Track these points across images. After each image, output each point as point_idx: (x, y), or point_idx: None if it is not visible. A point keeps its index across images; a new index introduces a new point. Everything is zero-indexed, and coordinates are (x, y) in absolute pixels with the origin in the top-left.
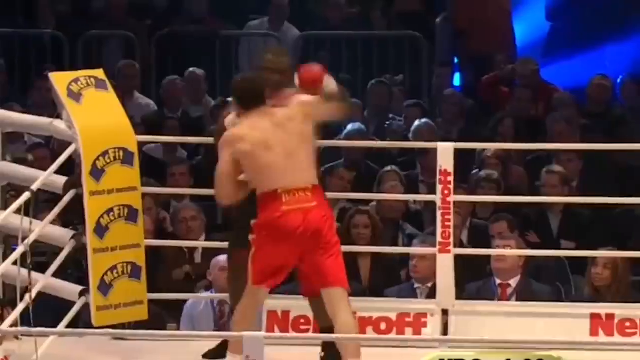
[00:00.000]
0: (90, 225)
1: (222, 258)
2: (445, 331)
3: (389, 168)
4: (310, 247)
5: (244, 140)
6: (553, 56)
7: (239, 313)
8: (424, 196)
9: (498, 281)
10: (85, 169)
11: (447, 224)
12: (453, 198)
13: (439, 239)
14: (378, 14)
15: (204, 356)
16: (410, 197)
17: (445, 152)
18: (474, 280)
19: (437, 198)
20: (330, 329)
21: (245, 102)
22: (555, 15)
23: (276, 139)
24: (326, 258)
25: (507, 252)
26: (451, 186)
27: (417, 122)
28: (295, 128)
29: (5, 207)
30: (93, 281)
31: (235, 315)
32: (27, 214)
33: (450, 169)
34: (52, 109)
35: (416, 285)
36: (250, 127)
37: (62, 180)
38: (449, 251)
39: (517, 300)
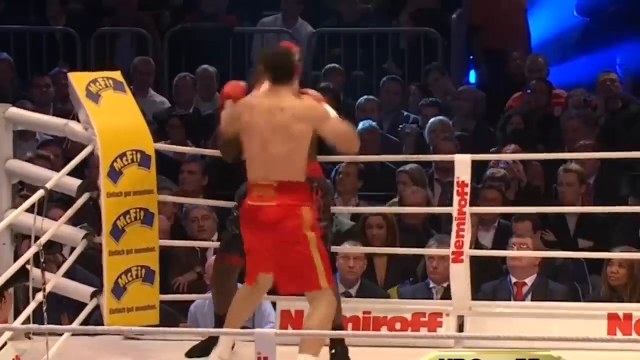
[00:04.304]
0: (106, 227)
1: None
2: (461, 329)
3: (407, 168)
4: (273, 244)
5: (246, 109)
6: (574, 53)
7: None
8: (442, 209)
9: (514, 280)
10: (103, 170)
11: (461, 234)
12: (469, 209)
13: (452, 248)
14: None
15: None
16: (429, 209)
17: (462, 165)
18: (492, 280)
19: (454, 209)
20: (339, 327)
21: (277, 76)
22: (581, 11)
23: (259, 127)
24: (289, 258)
25: (521, 253)
26: (468, 197)
27: (432, 120)
28: (285, 122)
29: (15, 206)
30: (107, 284)
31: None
32: (39, 213)
33: (468, 180)
34: (55, 104)
35: (432, 285)
36: (249, 106)
37: (74, 181)
38: (462, 261)
39: (532, 299)
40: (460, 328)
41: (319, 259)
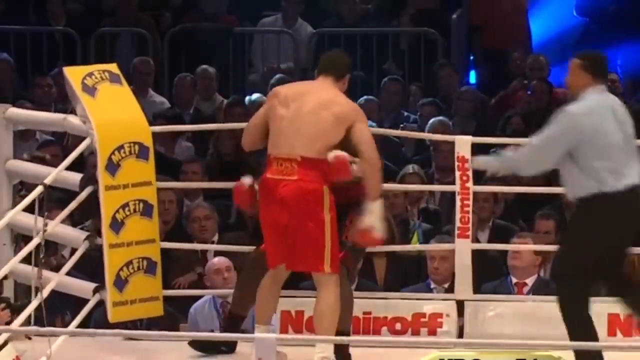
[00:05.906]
0: (105, 220)
1: (216, 260)
2: (461, 330)
3: (410, 170)
4: (288, 219)
5: (277, 94)
6: (574, 53)
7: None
8: (443, 187)
9: (514, 280)
10: (101, 163)
11: (465, 209)
12: (471, 185)
13: (457, 224)
14: None
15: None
16: (430, 187)
17: (462, 143)
18: (492, 280)
19: (455, 185)
20: (344, 333)
21: (322, 67)
22: (581, 11)
23: (297, 101)
24: (301, 234)
25: (522, 247)
26: (469, 173)
27: (431, 120)
28: (327, 97)
29: (14, 206)
30: (109, 277)
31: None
32: (39, 210)
33: (468, 156)
34: (56, 105)
35: (433, 286)
36: (291, 86)
37: (74, 176)
38: (467, 236)
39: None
40: (461, 330)
41: (329, 242)
